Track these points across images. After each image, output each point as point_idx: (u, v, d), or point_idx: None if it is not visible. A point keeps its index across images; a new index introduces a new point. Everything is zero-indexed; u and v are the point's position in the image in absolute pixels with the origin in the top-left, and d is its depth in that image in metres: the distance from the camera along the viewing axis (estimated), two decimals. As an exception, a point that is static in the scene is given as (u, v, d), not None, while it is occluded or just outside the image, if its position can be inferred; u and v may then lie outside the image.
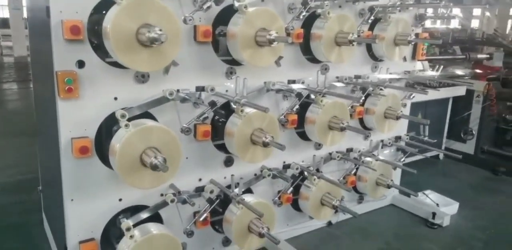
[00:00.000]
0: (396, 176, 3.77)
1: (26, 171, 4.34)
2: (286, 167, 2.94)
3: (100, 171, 2.15)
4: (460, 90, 4.76)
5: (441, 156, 5.14)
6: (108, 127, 2.08)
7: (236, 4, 2.16)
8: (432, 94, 4.05)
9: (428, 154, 4.45)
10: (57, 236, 2.62)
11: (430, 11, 3.29)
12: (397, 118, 3.18)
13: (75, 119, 2.00)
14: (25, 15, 14.45)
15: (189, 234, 2.52)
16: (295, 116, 2.76)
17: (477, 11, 23.20)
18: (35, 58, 2.78)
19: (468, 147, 4.95)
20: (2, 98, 8.75)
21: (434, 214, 3.49)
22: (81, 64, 1.94)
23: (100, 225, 2.24)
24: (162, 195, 2.39)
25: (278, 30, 2.25)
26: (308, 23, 2.65)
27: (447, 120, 4.99)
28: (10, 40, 16.42)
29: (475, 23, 22.11)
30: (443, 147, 5.02)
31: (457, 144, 5.06)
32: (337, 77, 2.98)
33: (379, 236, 3.31)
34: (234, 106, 2.36)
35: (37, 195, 3.31)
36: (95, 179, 2.16)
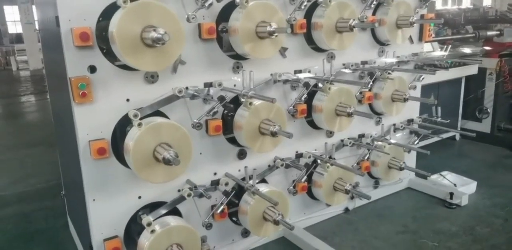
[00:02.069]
0: (411, 159, 3.86)
1: (47, 179, 4.59)
2: (299, 156, 3.05)
3: (118, 171, 2.28)
4: (472, 69, 4.78)
5: (458, 137, 5.20)
6: (123, 127, 2.21)
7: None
8: (443, 75, 4.11)
9: (444, 135, 4.54)
10: (82, 236, 2.78)
11: None
12: (405, 100, 3.26)
13: (91, 122, 2.13)
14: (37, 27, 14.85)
15: (208, 226, 2.64)
16: (304, 106, 2.86)
17: None
18: (49, 68, 2.93)
19: (484, 126, 5.00)
20: (21, 111, 9.15)
21: (451, 194, 3.57)
22: (92, 69, 2.07)
23: (122, 222, 2.38)
24: (179, 190, 2.52)
25: (277, 22, 2.34)
26: (310, 13, 2.73)
27: (461, 101, 5.04)
28: (25, 54, 16.96)
29: (487, 1, 21.67)
30: (458, 128, 5.07)
31: (473, 123, 5.11)
32: (343, 64, 3.06)
33: (396, 219, 3.41)
34: (242, 99, 2.47)
35: (60, 201, 3.51)
36: (114, 179, 2.29)
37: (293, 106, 2.84)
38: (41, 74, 14.66)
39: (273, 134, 2.47)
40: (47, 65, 3.08)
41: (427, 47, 3.83)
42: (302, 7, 2.62)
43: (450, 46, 3.56)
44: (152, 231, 2.23)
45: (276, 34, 2.32)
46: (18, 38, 21.77)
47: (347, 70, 3.04)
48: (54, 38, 2.15)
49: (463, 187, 3.72)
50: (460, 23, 5.27)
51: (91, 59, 2.05)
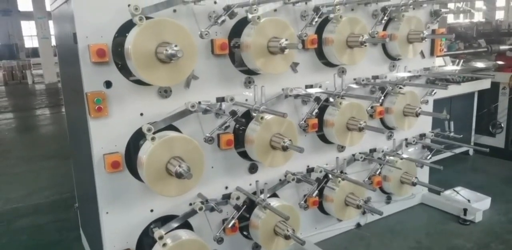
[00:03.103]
0: (424, 174, 3.84)
1: (61, 191, 4.67)
2: (310, 170, 3.06)
3: (131, 184, 2.32)
4: (485, 84, 4.77)
5: (471, 152, 5.16)
6: (136, 141, 2.25)
7: (250, 16, 2.30)
8: (455, 89, 4.11)
9: (457, 151, 4.50)
10: (94, 249, 2.80)
11: (451, 6, 3.35)
12: (417, 115, 3.27)
13: (106, 136, 2.18)
14: (53, 43, 15.17)
15: (219, 241, 2.65)
16: (315, 121, 2.88)
17: (501, 2, 22.66)
18: (65, 82, 3.01)
19: (498, 141, 4.95)
20: (35, 124, 9.35)
21: (465, 210, 3.53)
22: (108, 84, 2.13)
23: (134, 235, 2.40)
24: (190, 204, 2.54)
25: (289, 37, 2.39)
26: (321, 28, 2.78)
27: (474, 115, 5.01)
28: (41, 68, 17.41)
29: (500, 15, 21.54)
30: (472, 142, 5.03)
31: (486, 138, 5.07)
32: (354, 79, 3.08)
33: (409, 235, 3.37)
34: (254, 114, 2.50)
35: (74, 214, 3.55)
36: (127, 192, 2.32)
37: (304, 121, 2.87)
38: (56, 87, 15.02)
39: (284, 149, 2.49)
40: (63, 80, 3.17)
41: (439, 61, 3.84)
42: (313, 23, 2.66)
43: (462, 60, 3.56)
44: (164, 245, 2.24)
45: (287, 49, 2.36)
46: (34, 53, 22.35)
47: (354, 86, 3.06)
48: (71, 54, 2.22)
49: (477, 203, 3.68)
50: (472, 37, 5.27)
51: (107, 74, 2.11)
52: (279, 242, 2.71)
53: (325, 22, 2.76)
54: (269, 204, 2.57)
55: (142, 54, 1.96)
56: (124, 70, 2.13)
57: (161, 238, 2.25)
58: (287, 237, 2.60)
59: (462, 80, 4.41)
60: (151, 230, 2.42)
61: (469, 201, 3.71)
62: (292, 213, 2.62)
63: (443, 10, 3.32)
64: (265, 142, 2.53)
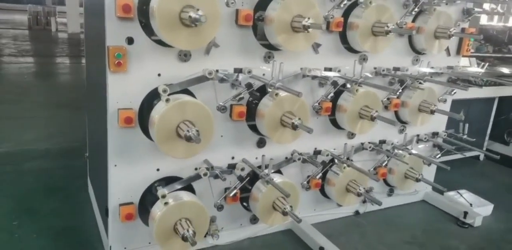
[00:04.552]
0: (430, 172, 3.71)
1: (70, 140, 4.65)
2: (317, 153, 2.99)
3: (141, 141, 2.31)
4: (507, 90, 4.53)
5: (482, 157, 4.97)
6: (151, 100, 2.23)
7: (278, -10, 2.23)
8: (475, 92, 3.93)
9: (468, 154, 4.33)
10: (99, 198, 2.84)
11: (486, 6, 3.17)
12: (431, 112, 3.13)
13: (122, 91, 2.16)
14: None
15: (219, 208, 2.65)
16: (329, 104, 2.80)
17: None
18: (88, 34, 2.98)
19: (511, 150, 4.74)
20: (54, 71, 9.27)
21: (466, 213, 3.42)
22: (130, 40, 2.09)
23: (138, 191, 2.41)
24: (196, 169, 2.52)
25: (314, 17, 2.30)
26: (349, 12, 2.67)
27: (491, 121, 4.79)
28: (65, 17, 17.23)
29: None
30: (484, 148, 4.83)
31: (500, 145, 4.85)
32: (375, 68, 2.97)
33: (406, 229, 3.29)
34: (269, 89, 2.44)
35: (81, 163, 3.55)
36: (137, 148, 2.32)
37: (319, 103, 2.79)
38: (78, 38, 14.82)
39: (294, 127, 2.43)
40: (87, 31, 3.13)
41: (464, 61, 3.67)
42: (342, 5, 2.56)
43: (487, 63, 3.39)
44: (166, 203, 2.24)
45: (310, 29, 2.28)
46: (60, 0, 22.00)
47: (370, 75, 2.94)
48: (97, 6, 2.19)
49: (479, 208, 3.54)
50: (503, 41, 5.00)
51: (130, 31, 2.07)
52: (276, 217, 2.67)
53: (353, 6, 2.64)
54: (272, 179, 2.53)
55: (166, 15, 1.92)
56: (147, 28, 2.09)
57: (163, 196, 2.24)
58: (284, 213, 2.56)
59: (485, 84, 4.21)
60: (155, 188, 2.42)
61: (471, 204, 3.58)
62: (292, 191, 2.58)
63: (476, 9, 3.15)
64: (276, 118, 2.47)
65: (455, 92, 3.43)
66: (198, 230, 2.29)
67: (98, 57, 2.33)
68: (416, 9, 2.87)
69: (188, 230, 2.21)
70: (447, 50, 3.28)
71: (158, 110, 2.09)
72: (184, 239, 2.20)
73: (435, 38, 3.01)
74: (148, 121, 2.16)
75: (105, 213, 2.46)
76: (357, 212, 3.42)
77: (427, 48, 3.03)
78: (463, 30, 3.26)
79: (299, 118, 2.43)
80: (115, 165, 2.31)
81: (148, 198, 2.45)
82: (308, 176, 3.00)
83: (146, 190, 2.44)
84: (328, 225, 3.21)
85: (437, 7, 2.93)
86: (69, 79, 8.63)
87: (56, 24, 17.60)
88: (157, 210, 2.26)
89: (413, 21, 2.99)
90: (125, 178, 2.35)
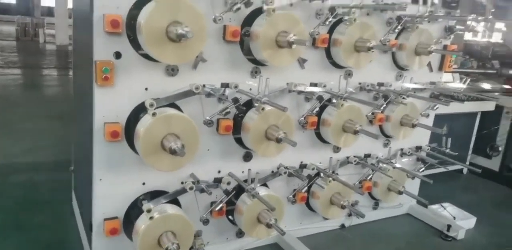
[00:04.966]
0: (414, 186, 3.74)
1: (59, 152, 4.57)
2: (303, 166, 2.99)
3: (127, 155, 2.28)
4: (489, 105, 4.63)
5: (465, 171, 5.02)
6: (137, 114, 2.22)
7: (265, 7, 2.26)
8: (458, 107, 4.00)
9: (451, 168, 4.38)
10: (84, 213, 2.79)
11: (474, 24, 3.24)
12: (413, 126, 3.18)
13: (109, 105, 2.15)
14: (69, 5, 14.87)
15: (205, 222, 2.62)
16: (315, 119, 2.82)
17: None
18: (76, 47, 2.98)
19: (493, 164, 4.80)
20: (42, 83, 9.09)
21: (449, 227, 3.43)
22: (118, 55, 2.09)
23: (123, 205, 2.38)
24: (182, 183, 2.50)
25: (299, 33, 2.33)
26: (334, 29, 2.72)
27: (474, 135, 4.87)
28: (54, 28, 16.90)
29: None
30: (467, 161, 4.90)
31: (482, 159, 4.92)
32: (359, 83, 3.01)
33: (391, 242, 3.29)
34: (255, 104, 2.45)
35: (68, 175, 3.48)
36: (123, 162, 2.30)
37: (304, 118, 2.81)
38: (66, 50, 14.49)
39: (278, 140, 2.44)
40: (75, 44, 3.12)
41: (447, 77, 3.74)
42: (327, 22, 2.60)
43: (469, 79, 3.46)
44: (151, 218, 2.21)
45: (294, 45, 2.31)
46: (49, 12, 21.62)
47: (353, 90, 2.97)
48: (86, 21, 2.19)
49: (462, 221, 3.57)
50: (487, 57, 5.10)
51: (118, 45, 2.08)
52: (261, 229, 2.66)
53: (338, 23, 2.69)
54: (258, 193, 2.52)
55: (153, 30, 1.93)
56: (135, 43, 2.09)
57: (149, 211, 2.21)
58: (269, 226, 2.55)
59: (467, 99, 4.29)
60: (140, 202, 2.39)
61: (454, 218, 3.60)
62: (278, 204, 2.57)
63: (458, 27, 3.23)
64: (261, 131, 2.47)
65: (437, 107, 3.49)
66: (182, 244, 2.26)
67: (86, 71, 2.32)
68: (399, 27, 2.93)
69: (172, 244, 2.18)
70: (429, 66, 3.35)
71: (144, 123, 2.08)
72: (169, 252, 2.16)
73: (416, 55, 3.08)
74: (134, 135, 2.15)
75: (89, 227, 2.41)
76: (342, 226, 3.42)
77: (408, 64, 3.10)
78: (445, 47, 3.33)
79: (284, 132, 2.44)
80: (100, 179, 2.28)
81: (133, 212, 2.41)
82: (294, 190, 3.00)
83: (132, 204, 2.41)
84: (314, 239, 3.20)
85: (420, 25, 3.00)
86: (57, 92, 8.48)
87: (44, 35, 17.39)
88: (141, 223, 2.23)
89: (396, 38, 3.05)
90: (110, 192, 2.32)
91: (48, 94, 8.35)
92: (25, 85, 8.91)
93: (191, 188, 2.43)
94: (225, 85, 2.43)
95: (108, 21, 1.96)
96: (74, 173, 3.36)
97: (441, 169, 4.21)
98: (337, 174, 2.99)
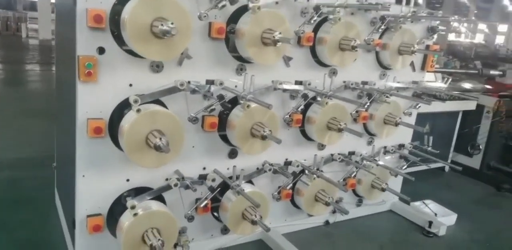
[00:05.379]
0: (397, 183, 3.77)
1: (40, 149, 4.48)
2: (288, 163, 2.99)
3: (111, 152, 2.25)
4: (471, 105, 4.70)
5: (447, 168, 5.09)
6: (121, 110, 2.19)
7: (250, 5, 2.25)
8: (439, 106, 4.04)
9: (432, 165, 4.43)
10: (66, 209, 2.75)
11: (458, 24, 3.28)
12: (396, 124, 3.21)
13: (92, 101, 2.12)
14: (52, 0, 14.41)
15: (190, 219, 2.60)
16: (300, 116, 2.82)
17: (503, 27, 22.22)
18: (59, 42, 2.92)
19: (474, 162, 4.87)
20: (24, 79, 8.86)
21: (430, 223, 3.47)
22: (101, 50, 2.06)
23: (107, 202, 2.34)
24: (167, 179, 2.47)
25: (283, 32, 2.32)
26: (319, 28, 2.72)
27: (455, 133, 4.94)
28: (37, 23, 16.54)
29: (500, 39, 20.83)
30: (448, 159, 4.96)
31: (464, 157, 4.99)
32: (344, 81, 3.02)
33: (374, 239, 3.31)
34: (241, 101, 2.44)
35: (50, 172, 3.42)
36: (106, 159, 2.26)
37: (289, 115, 2.81)
38: (49, 45, 14.16)
39: (263, 137, 2.43)
40: (58, 39, 3.06)
41: (430, 76, 3.77)
42: (312, 21, 2.61)
43: (450, 79, 3.49)
44: (135, 214, 2.18)
45: (279, 43, 2.30)
46: (32, 6, 21.11)
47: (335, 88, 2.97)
48: (69, 15, 2.15)
49: (443, 218, 3.61)
50: (470, 57, 5.17)
51: (101, 40, 2.04)
52: (245, 226, 2.65)
53: (323, 22, 2.70)
54: (243, 190, 2.51)
55: (137, 26, 1.91)
56: (119, 39, 2.06)
57: (133, 207, 2.18)
58: (254, 222, 2.54)
59: (449, 98, 4.34)
60: (124, 198, 2.36)
61: (436, 214, 3.64)
62: (262, 201, 2.55)
63: (440, 27, 3.26)
64: (246, 128, 2.47)
65: (419, 106, 3.52)
66: (167, 241, 2.24)
67: (68, 66, 2.27)
68: (382, 27, 2.95)
69: (156, 240, 2.16)
70: (412, 65, 3.38)
71: (128, 120, 2.06)
72: (153, 249, 2.14)
73: (399, 54, 3.10)
74: (118, 131, 2.12)
75: (72, 224, 2.38)
76: (327, 222, 3.43)
77: (392, 63, 3.12)
78: (427, 47, 3.36)
79: (269, 129, 2.43)
80: (83, 176, 2.24)
81: (117, 209, 2.38)
82: (279, 187, 3.00)
83: (115, 201, 2.37)
84: (299, 235, 3.20)
85: (403, 25, 3.02)
86: (39, 87, 8.26)
87: (26, 30, 17.00)
88: (125, 220, 2.20)
89: (380, 38, 3.06)
90: (93, 189, 2.28)
91: (31, 90, 8.13)
92: (6, 81, 8.67)
93: (175, 185, 2.41)
94: (210, 82, 2.42)
95: (91, 16, 1.93)
96: (57, 170, 3.30)
97: (423, 167, 4.27)
98: (321, 171, 2.99)
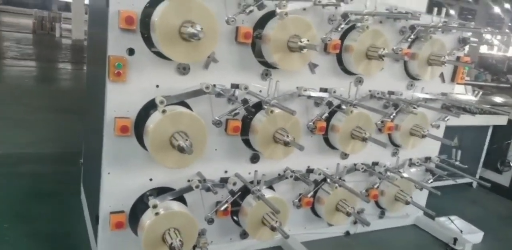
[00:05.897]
0: (422, 197, 3.64)
1: (66, 145, 4.54)
2: (310, 171, 2.93)
3: (136, 150, 2.27)
4: (502, 119, 4.50)
5: (475, 184, 4.88)
6: (147, 110, 2.21)
7: (278, 10, 2.24)
8: (469, 120, 3.90)
9: (460, 180, 4.26)
10: (91, 205, 2.78)
11: (489, 36, 3.19)
12: (422, 136, 3.09)
13: (120, 100, 2.15)
14: (86, 1, 14.70)
15: (210, 221, 2.58)
16: (324, 124, 2.77)
17: None
18: (91, 43, 3.00)
19: (504, 179, 4.64)
20: (56, 77, 9.05)
21: (455, 240, 3.32)
22: (131, 51, 2.09)
23: (130, 199, 2.36)
24: (189, 180, 2.47)
25: (310, 38, 2.30)
26: (346, 35, 2.68)
27: (485, 149, 4.73)
28: (70, 23, 17.01)
29: None
30: (477, 175, 4.75)
31: (493, 173, 4.76)
32: (370, 90, 2.96)
33: (394, 252, 3.21)
34: (264, 106, 2.42)
35: (75, 168, 3.46)
36: (131, 157, 2.28)
37: (313, 123, 2.76)
38: (81, 44, 14.49)
39: (286, 144, 2.39)
40: (90, 39, 3.14)
41: (459, 89, 3.64)
42: (339, 29, 2.57)
43: (481, 92, 3.36)
44: (156, 213, 2.19)
45: (305, 49, 2.28)
46: (66, 6, 21.79)
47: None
48: (101, 16, 2.21)
49: (469, 235, 3.44)
50: (502, 71, 4.99)
51: (131, 42, 2.08)
52: (264, 232, 2.60)
53: (351, 29, 2.66)
54: (263, 195, 2.47)
55: (166, 29, 1.93)
56: (148, 41, 2.09)
57: (155, 206, 2.19)
58: (273, 228, 2.49)
59: (479, 112, 4.17)
60: (146, 197, 2.37)
61: (461, 231, 3.48)
62: (282, 207, 2.51)
63: (471, 39, 3.15)
64: (269, 133, 2.44)
65: (448, 119, 3.39)
66: (186, 241, 2.22)
67: (99, 66, 2.33)
68: (412, 36, 2.88)
69: (176, 240, 2.15)
70: (442, 76, 3.27)
71: (153, 120, 2.07)
72: (172, 248, 2.13)
73: (428, 65, 3.01)
74: (143, 130, 2.14)
75: (95, 220, 2.40)
76: (347, 233, 3.33)
77: (420, 74, 3.03)
78: (458, 58, 3.26)
79: (292, 136, 2.39)
80: (109, 173, 2.26)
81: (140, 207, 2.39)
82: (300, 194, 2.94)
83: (138, 199, 2.38)
84: (318, 244, 3.12)
85: (433, 35, 2.94)
86: (70, 85, 8.41)
87: (60, 29, 17.48)
88: (147, 218, 2.20)
89: (409, 47, 2.99)
90: (118, 186, 2.30)
91: (61, 87, 8.28)
92: (38, 78, 8.86)
93: (197, 186, 2.40)
94: (235, 86, 2.41)
95: (123, 18, 1.97)
96: (83, 166, 3.37)
97: (450, 181, 4.11)
98: (343, 180, 2.92)
